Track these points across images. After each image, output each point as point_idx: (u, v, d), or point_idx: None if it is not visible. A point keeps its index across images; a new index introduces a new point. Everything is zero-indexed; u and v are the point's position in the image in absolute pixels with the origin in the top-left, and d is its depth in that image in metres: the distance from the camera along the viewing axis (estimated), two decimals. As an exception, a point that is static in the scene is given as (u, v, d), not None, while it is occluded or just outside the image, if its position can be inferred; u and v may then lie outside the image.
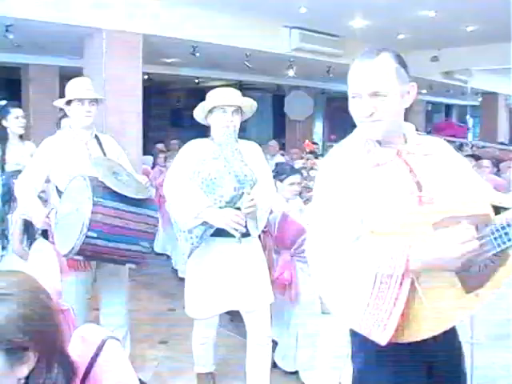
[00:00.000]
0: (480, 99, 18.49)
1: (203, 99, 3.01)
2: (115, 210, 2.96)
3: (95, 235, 2.86)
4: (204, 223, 2.75)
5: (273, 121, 19.59)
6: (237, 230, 2.78)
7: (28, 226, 3.54)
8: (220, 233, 2.86)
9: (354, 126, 2.28)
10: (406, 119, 1.88)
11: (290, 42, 8.89)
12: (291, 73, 11.45)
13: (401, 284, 1.61)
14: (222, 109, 2.92)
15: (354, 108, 1.86)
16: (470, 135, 19.08)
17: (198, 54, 8.20)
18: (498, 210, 1.62)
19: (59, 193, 3.24)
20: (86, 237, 2.84)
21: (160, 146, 9.64)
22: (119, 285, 3.47)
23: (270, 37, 8.74)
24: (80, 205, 2.93)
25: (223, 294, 3.03)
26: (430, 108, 22.81)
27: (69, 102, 3.30)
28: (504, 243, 1.56)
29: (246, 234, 2.93)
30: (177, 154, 3.22)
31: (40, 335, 1.33)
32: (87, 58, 7.31)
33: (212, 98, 2.97)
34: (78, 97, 3.24)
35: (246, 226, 2.88)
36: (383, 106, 1.76)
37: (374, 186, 1.77)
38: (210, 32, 7.66)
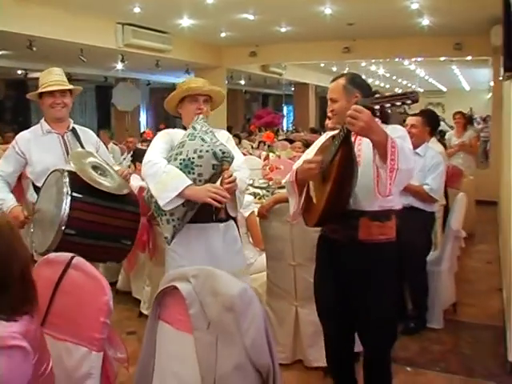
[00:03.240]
0: (293, 89, 20.28)
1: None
2: (94, 205, 2.77)
3: (73, 232, 2.67)
4: (185, 205, 2.64)
5: (97, 111, 19.58)
6: (220, 203, 2.64)
7: None
8: (197, 219, 2.76)
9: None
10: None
11: (123, 37, 9.36)
12: (119, 66, 11.81)
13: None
14: (193, 97, 2.90)
15: None
16: (284, 121, 20.75)
17: (34, 49, 8.30)
18: None
19: (36, 188, 3.13)
20: (64, 234, 2.65)
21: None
22: None
23: (103, 33, 9.14)
24: (58, 200, 2.74)
25: None
26: (248, 97, 24.30)
27: (40, 95, 3.20)
28: None
29: (225, 219, 2.87)
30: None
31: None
32: None
33: (182, 87, 2.93)
34: (46, 90, 3.14)
35: (225, 210, 2.80)
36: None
37: None
38: (47, 27, 7.83)
